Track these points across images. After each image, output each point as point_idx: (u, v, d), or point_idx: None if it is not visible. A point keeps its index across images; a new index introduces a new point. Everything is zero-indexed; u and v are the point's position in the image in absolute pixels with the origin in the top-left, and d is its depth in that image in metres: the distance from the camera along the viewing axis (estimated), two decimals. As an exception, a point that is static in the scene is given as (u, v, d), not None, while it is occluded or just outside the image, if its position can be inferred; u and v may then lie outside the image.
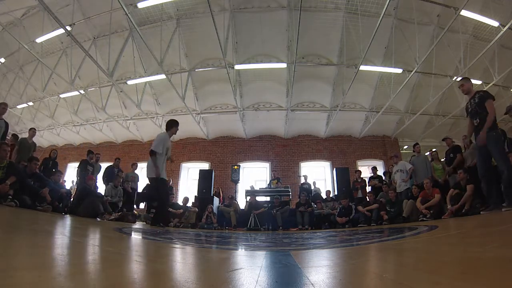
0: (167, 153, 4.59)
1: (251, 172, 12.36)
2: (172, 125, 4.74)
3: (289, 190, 8.74)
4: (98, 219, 5.07)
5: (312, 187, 9.56)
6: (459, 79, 8.47)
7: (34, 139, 6.65)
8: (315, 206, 7.72)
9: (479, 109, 3.68)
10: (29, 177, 4.92)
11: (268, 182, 9.80)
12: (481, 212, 3.86)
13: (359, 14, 7.24)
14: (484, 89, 4.03)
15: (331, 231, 5.41)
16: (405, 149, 12.69)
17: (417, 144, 6.69)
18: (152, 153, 4.36)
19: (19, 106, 11.42)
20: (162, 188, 4.58)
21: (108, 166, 7.65)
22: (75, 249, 1.35)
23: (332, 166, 11.66)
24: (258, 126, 12.00)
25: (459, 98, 8.90)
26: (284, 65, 8.87)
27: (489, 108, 3.60)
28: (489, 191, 3.64)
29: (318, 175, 11.89)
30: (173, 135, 4.79)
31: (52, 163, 6.88)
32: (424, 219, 5.03)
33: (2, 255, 0.94)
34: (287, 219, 7.48)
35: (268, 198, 8.61)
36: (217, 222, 7.46)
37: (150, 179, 4.50)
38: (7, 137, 5.70)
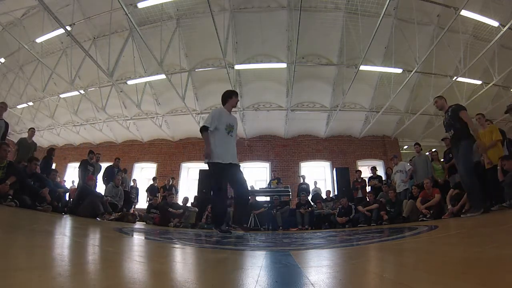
0: (230, 131, 3.41)
1: (251, 172, 12.35)
2: (228, 96, 3.55)
3: (289, 190, 8.74)
4: (98, 219, 5.07)
5: (313, 187, 9.58)
6: (459, 79, 8.54)
7: (34, 139, 6.64)
8: (315, 206, 7.72)
9: (452, 120, 3.99)
10: (29, 177, 4.93)
11: (268, 182, 9.80)
12: (461, 216, 3.96)
13: (359, 14, 7.24)
14: (456, 103, 4.30)
15: (331, 231, 5.41)
16: (405, 149, 12.69)
17: (417, 144, 6.70)
18: (201, 129, 3.32)
19: (19, 106, 11.42)
20: (224, 174, 3.31)
21: (108, 166, 7.66)
22: (75, 249, 1.35)
23: (332, 166, 11.66)
24: (258, 126, 12.00)
25: (459, 98, 8.91)
26: (284, 65, 8.87)
27: (466, 118, 3.86)
28: (470, 195, 3.87)
29: (318, 175, 11.90)
30: (233, 108, 3.60)
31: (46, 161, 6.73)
32: (424, 219, 5.03)
33: (2, 255, 0.95)
34: (287, 219, 7.48)
35: (268, 198, 8.60)
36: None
37: (208, 164, 3.34)
38: (7, 138, 5.70)
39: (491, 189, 4.21)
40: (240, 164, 3.48)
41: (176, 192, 9.83)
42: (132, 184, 9.28)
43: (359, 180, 8.33)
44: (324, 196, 8.84)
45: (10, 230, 1.88)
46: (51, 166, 6.93)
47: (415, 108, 10.40)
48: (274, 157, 12.28)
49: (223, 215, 3.54)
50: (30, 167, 5.14)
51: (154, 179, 10.11)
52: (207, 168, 3.40)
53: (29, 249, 1.16)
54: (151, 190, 9.18)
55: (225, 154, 3.30)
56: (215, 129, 3.33)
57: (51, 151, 7.02)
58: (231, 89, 3.71)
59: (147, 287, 0.71)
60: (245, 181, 3.48)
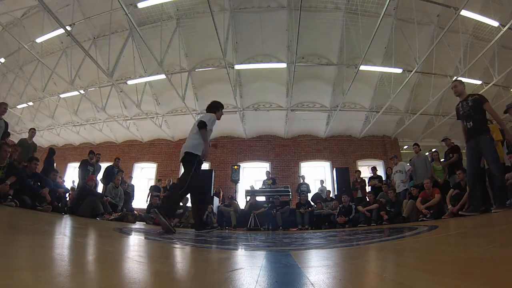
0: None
1: (251, 172, 12.35)
2: (216, 108, 3.73)
3: (289, 190, 8.74)
4: (98, 219, 5.07)
5: (319, 186, 9.64)
6: (459, 79, 8.52)
7: (34, 140, 6.64)
8: (315, 206, 7.72)
9: (473, 112, 3.76)
10: (29, 177, 4.93)
11: (262, 182, 9.70)
12: (459, 213, 3.94)
13: (359, 14, 7.24)
14: (478, 93, 4.13)
15: (331, 231, 5.41)
16: (405, 149, 12.70)
17: (416, 144, 6.71)
18: (202, 125, 3.39)
19: (19, 106, 11.43)
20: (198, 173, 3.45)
21: (108, 166, 7.66)
22: (75, 249, 1.35)
23: (332, 166, 11.67)
24: (258, 126, 12.00)
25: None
26: (284, 65, 8.88)
27: (490, 110, 3.68)
28: (472, 193, 3.78)
29: (318, 175, 11.91)
30: (218, 120, 3.78)
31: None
32: (424, 219, 5.03)
33: (2, 255, 0.94)
34: (287, 219, 7.48)
35: (264, 198, 8.55)
36: (217, 222, 7.46)
37: (192, 155, 3.35)
38: (7, 138, 5.69)
39: (491, 189, 4.21)
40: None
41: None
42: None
43: (359, 180, 8.33)
44: (323, 196, 8.85)
45: (10, 230, 1.88)
46: (53, 166, 6.94)
47: (415, 108, 10.40)
48: (274, 157, 12.28)
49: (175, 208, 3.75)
50: (30, 167, 5.14)
51: (159, 180, 10.18)
52: (190, 159, 3.35)
53: (29, 249, 1.16)
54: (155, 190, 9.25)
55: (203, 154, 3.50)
56: (208, 130, 3.54)
57: (52, 152, 7.03)
58: (218, 100, 3.87)
59: (147, 287, 0.71)
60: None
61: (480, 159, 3.74)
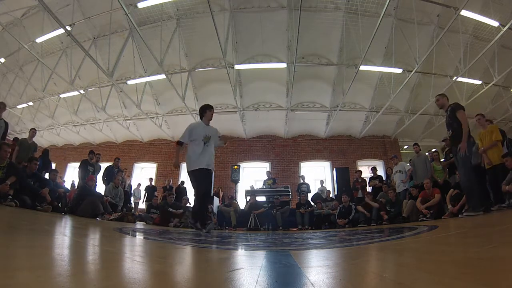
0: (206, 142, 3.78)
1: (251, 172, 12.35)
2: (203, 111, 3.95)
3: (289, 190, 8.74)
4: (98, 219, 5.07)
5: (319, 186, 9.63)
6: (459, 79, 8.54)
7: (34, 140, 6.64)
8: (315, 206, 7.71)
9: (451, 120, 3.92)
10: (29, 177, 4.92)
11: (263, 182, 9.70)
12: (459, 216, 3.95)
13: (359, 14, 7.24)
14: (455, 102, 4.23)
15: (331, 231, 5.41)
16: (405, 149, 12.70)
17: (416, 144, 6.70)
18: (177, 143, 3.78)
19: (19, 106, 11.42)
20: (200, 179, 3.69)
21: (108, 166, 7.65)
22: (75, 249, 1.35)
23: (332, 166, 11.66)
24: (258, 126, 12.00)
25: (459, 98, 8.91)
26: (284, 65, 8.87)
27: (461, 118, 3.79)
28: (469, 195, 3.84)
29: (318, 175, 11.91)
30: (210, 120, 3.99)
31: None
32: (424, 219, 5.03)
33: (2, 255, 0.94)
34: (287, 219, 7.48)
35: (264, 198, 8.54)
36: (217, 222, 7.46)
37: (188, 173, 3.76)
38: (7, 138, 5.69)
39: (491, 189, 4.22)
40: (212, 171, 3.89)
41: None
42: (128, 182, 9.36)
43: (359, 180, 8.32)
44: (323, 196, 8.85)
45: (10, 230, 1.88)
46: (48, 166, 6.95)
47: (415, 108, 10.40)
48: (274, 157, 12.28)
49: (205, 215, 4.15)
50: (30, 167, 5.13)
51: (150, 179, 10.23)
52: (189, 175, 3.76)
53: (29, 249, 1.16)
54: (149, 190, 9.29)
55: (200, 162, 3.69)
56: (192, 140, 3.75)
57: (46, 153, 7.05)
58: (206, 104, 4.10)
59: (147, 287, 0.71)
60: (211, 188, 4.17)
61: (470, 162, 3.83)
